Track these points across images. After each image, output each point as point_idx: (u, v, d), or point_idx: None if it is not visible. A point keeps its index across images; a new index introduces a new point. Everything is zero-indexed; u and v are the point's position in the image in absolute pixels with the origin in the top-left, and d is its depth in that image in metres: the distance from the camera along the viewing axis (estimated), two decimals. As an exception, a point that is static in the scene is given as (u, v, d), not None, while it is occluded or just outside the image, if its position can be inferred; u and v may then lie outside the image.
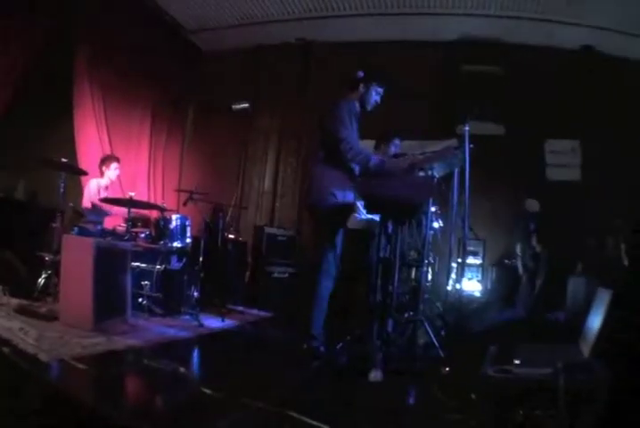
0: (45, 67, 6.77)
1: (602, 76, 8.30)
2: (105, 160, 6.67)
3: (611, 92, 8.11)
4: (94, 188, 6.38)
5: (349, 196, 4.39)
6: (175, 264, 6.12)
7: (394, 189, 4.21)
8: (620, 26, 7.94)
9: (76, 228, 5.72)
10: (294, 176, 9.28)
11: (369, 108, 4.53)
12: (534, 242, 7.85)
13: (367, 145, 6.10)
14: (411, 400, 3.25)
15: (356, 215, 5.22)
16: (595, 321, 2.93)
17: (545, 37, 8.44)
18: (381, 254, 4.33)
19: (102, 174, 6.60)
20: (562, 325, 5.35)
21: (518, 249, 7.94)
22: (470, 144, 4.78)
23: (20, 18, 6.19)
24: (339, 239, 4.34)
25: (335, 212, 4.28)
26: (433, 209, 5.19)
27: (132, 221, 5.81)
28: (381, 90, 4.54)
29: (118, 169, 6.70)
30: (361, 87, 4.46)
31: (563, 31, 8.26)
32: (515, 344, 3.23)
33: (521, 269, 7.89)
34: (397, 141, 6.01)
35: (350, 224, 5.20)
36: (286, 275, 7.91)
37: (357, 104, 4.50)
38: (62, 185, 5.53)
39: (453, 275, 7.16)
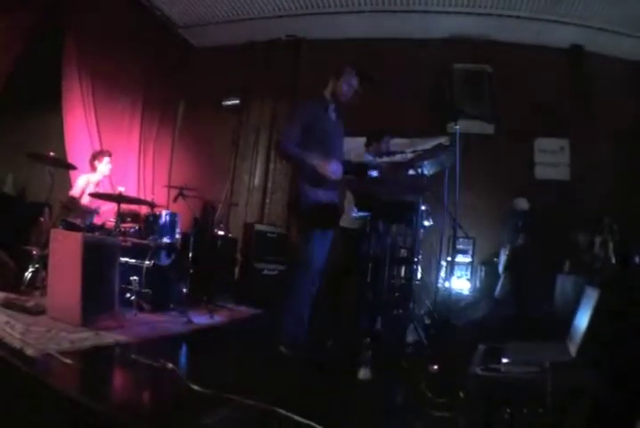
0: (33, 60, 6.73)
1: (591, 75, 8.36)
2: (97, 155, 6.65)
3: (600, 91, 8.16)
4: (83, 184, 6.35)
5: (325, 195, 4.25)
6: (164, 260, 6.09)
7: (385, 187, 4.22)
8: (609, 25, 8.00)
9: (64, 222, 5.69)
10: (284, 173, 9.24)
11: (342, 99, 4.36)
12: (521, 240, 7.87)
13: (359, 142, 6.12)
14: (400, 398, 3.26)
15: (352, 214, 5.23)
16: (583, 320, 2.94)
17: (535, 36, 8.49)
18: (372, 252, 4.33)
19: (93, 168, 6.57)
20: (550, 323, 5.37)
21: (505, 247, 7.97)
22: (460, 142, 4.78)
23: (8, 10, 6.15)
24: (324, 238, 4.21)
25: (311, 211, 4.17)
26: (423, 207, 5.20)
27: (121, 216, 5.79)
28: (354, 82, 4.38)
29: (110, 164, 6.68)
30: (332, 80, 4.35)
31: (553, 30, 8.31)
32: (503, 342, 3.24)
33: (501, 268, 7.92)
34: (387, 139, 6.01)
35: (346, 222, 5.21)
36: (276, 272, 7.90)
37: (329, 99, 4.36)
38: (51, 179, 5.51)
39: (442, 274, 7.18)
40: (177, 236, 6.35)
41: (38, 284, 5.08)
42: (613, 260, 6.83)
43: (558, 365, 2.51)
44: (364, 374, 3.35)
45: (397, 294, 4.93)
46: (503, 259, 7.84)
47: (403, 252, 5.00)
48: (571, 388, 2.39)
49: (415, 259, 4.80)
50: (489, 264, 8.24)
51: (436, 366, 3.72)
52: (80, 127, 7.37)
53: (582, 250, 7.43)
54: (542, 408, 2.33)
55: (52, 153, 5.46)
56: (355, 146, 6.91)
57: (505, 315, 5.72)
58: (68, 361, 2.98)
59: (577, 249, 7.53)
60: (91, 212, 6.25)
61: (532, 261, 7.67)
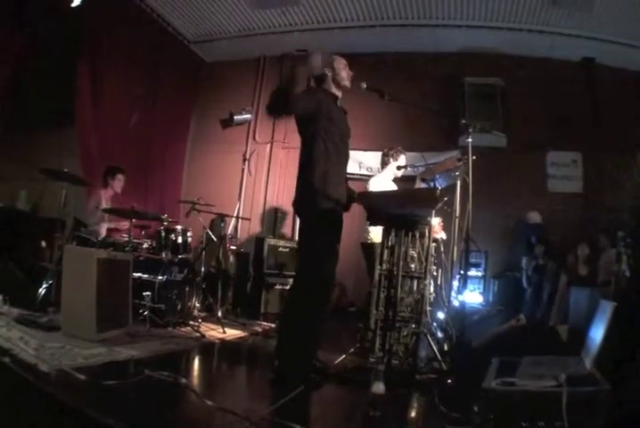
0: (47, 78, 6.79)
1: (603, 87, 8.34)
2: (110, 171, 6.67)
3: (612, 103, 8.15)
4: (98, 199, 6.38)
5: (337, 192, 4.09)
6: (176, 275, 6.09)
7: (396, 200, 4.21)
8: (621, 38, 7.99)
9: (77, 238, 5.71)
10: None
11: (348, 83, 4.15)
12: (538, 254, 7.86)
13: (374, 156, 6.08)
14: (413, 413, 3.23)
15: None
16: (598, 333, 2.92)
17: (547, 49, 8.50)
18: (384, 266, 4.31)
19: (106, 185, 6.59)
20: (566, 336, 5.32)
21: (523, 262, 7.96)
22: (472, 155, 4.76)
23: (18, 28, 6.21)
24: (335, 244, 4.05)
25: (325, 212, 4.00)
26: (436, 220, 5.18)
27: (134, 232, 5.80)
28: (346, 65, 4.18)
29: (122, 181, 6.69)
30: (329, 72, 4.08)
31: (564, 43, 8.32)
32: (518, 356, 3.21)
33: (525, 282, 7.91)
34: (402, 159, 5.97)
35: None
36: (288, 286, 7.87)
37: (336, 91, 4.14)
38: (64, 195, 5.53)
39: (455, 287, 7.15)
40: (190, 251, 6.35)
41: (52, 300, 5.08)
42: (628, 274, 6.77)
43: (574, 378, 2.48)
44: (377, 388, 3.33)
45: (409, 308, 4.90)
46: (524, 274, 7.87)
47: (415, 266, 4.96)
48: (588, 401, 2.37)
49: (428, 273, 4.76)
50: (502, 277, 8.22)
51: (450, 380, 3.69)
52: (93, 143, 7.41)
53: (596, 263, 7.39)
54: (558, 422, 2.30)
55: (65, 169, 5.49)
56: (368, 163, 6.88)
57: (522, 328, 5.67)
58: (82, 377, 2.98)
59: (591, 262, 7.49)
60: (103, 222, 6.27)
61: (550, 275, 7.66)
